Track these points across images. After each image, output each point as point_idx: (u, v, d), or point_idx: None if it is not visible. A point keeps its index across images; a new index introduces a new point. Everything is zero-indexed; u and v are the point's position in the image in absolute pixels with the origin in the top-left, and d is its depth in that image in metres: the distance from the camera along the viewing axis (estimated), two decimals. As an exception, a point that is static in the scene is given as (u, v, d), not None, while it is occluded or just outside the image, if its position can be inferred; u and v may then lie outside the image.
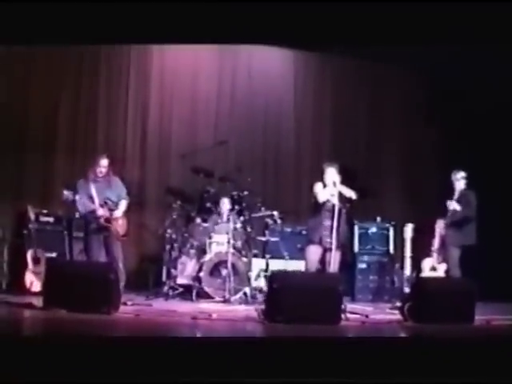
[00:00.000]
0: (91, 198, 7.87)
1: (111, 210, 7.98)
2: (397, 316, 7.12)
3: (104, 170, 8.04)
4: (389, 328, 6.78)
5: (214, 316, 6.69)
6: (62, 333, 5.50)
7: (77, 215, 8.93)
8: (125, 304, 7.39)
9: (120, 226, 8.03)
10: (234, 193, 9.34)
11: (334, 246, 7.28)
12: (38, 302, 6.78)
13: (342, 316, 6.62)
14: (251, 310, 7.24)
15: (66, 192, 7.83)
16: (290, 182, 10.55)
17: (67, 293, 6.38)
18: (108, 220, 7.91)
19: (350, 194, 7.49)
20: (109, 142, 9.77)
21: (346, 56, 10.49)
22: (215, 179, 9.83)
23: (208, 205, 9.38)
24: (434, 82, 10.85)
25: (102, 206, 7.90)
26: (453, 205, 8.33)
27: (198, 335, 5.99)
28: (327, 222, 7.42)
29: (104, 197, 7.95)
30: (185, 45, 9.83)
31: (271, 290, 6.53)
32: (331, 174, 7.56)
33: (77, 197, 7.83)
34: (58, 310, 6.32)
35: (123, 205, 8.15)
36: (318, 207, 7.57)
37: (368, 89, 11.14)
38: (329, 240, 7.35)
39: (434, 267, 8.39)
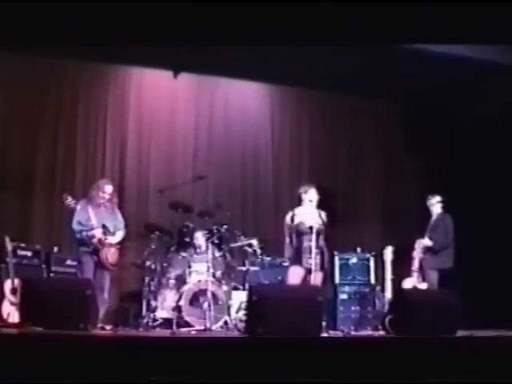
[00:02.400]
0: (90, 222, 7.80)
1: (106, 235, 7.92)
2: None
3: (107, 197, 8.01)
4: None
5: (193, 333, 6.63)
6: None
7: (55, 249, 8.91)
8: (103, 328, 7.31)
9: (111, 254, 7.94)
10: (214, 227, 9.31)
11: (314, 268, 7.27)
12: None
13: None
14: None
15: (69, 198, 7.79)
16: (269, 215, 10.52)
17: (43, 310, 6.28)
18: (102, 243, 7.83)
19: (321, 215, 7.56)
20: (87, 177, 9.74)
21: (322, 89, 10.64)
22: (194, 214, 9.78)
23: (187, 239, 9.34)
24: (410, 111, 11.06)
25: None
26: (423, 243, 8.39)
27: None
28: (307, 244, 7.42)
29: (101, 223, 7.90)
30: (162, 79, 10.02)
31: (251, 303, 6.47)
32: (313, 194, 7.60)
33: (78, 207, 7.77)
34: (33, 328, 6.21)
35: (119, 235, 8.12)
36: (298, 231, 7.56)
37: (345, 120, 11.29)
38: (310, 261, 7.33)
39: (415, 287, 8.36)
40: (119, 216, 8.22)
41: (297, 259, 7.50)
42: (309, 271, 7.38)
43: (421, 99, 10.37)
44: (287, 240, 7.67)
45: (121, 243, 8.22)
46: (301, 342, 5.50)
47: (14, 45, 7.78)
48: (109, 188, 8.05)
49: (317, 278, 7.37)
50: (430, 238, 8.43)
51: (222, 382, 4.79)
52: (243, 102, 10.92)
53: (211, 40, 7.05)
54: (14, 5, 6.24)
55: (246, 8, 6.50)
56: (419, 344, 5.76)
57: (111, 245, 7.94)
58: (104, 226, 7.91)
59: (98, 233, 7.80)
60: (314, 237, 7.36)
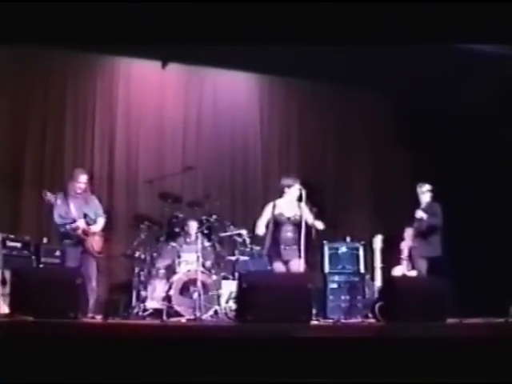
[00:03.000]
0: (70, 213, 7.82)
1: (89, 225, 7.94)
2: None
3: (83, 186, 8.03)
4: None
5: (184, 320, 6.63)
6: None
7: (45, 240, 8.89)
8: (93, 318, 7.31)
9: (96, 241, 8.05)
10: (203, 217, 9.32)
11: (291, 257, 7.24)
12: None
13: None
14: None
15: (49, 194, 7.81)
16: (258, 204, 10.32)
17: (33, 299, 6.24)
18: (86, 233, 7.85)
19: (317, 224, 7.46)
20: (76, 168, 9.64)
21: (311, 79, 10.65)
22: (183, 205, 9.76)
23: (176, 230, 9.35)
24: (399, 102, 11.09)
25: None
26: (419, 213, 8.41)
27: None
28: (289, 235, 7.37)
29: (82, 212, 7.93)
30: (150, 70, 10.01)
31: (241, 290, 6.47)
32: (296, 188, 7.56)
33: (58, 201, 7.80)
34: (23, 317, 6.19)
35: (101, 222, 8.17)
36: (276, 221, 7.52)
37: (334, 111, 11.31)
38: (286, 252, 7.31)
39: (404, 275, 8.39)
40: (96, 202, 8.30)
41: (275, 253, 7.41)
42: (286, 263, 7.34)
43: (410, 89, 10.38)
44: (265, 230, 7.58)
45: (104, 230, 8.29)
46: (290, 329, 5.50)
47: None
48: (83, 177, 8.11)
49: (297, 266, 7.22)
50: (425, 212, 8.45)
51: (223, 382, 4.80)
52: (232, 92, 10.92)
53: (212, 40, 7.06)
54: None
55: (245, 8, 6.50)
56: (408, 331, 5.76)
57: (95, 233, 8.03)
58: (85, 216, 7.96)
59: (81, 223, 7.87)
60: (292, 227, 7.33)
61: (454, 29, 6.71)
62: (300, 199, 7.40)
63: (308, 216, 7.39)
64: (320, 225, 7.40)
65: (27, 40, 6.89)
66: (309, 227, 7.30)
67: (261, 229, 7.42)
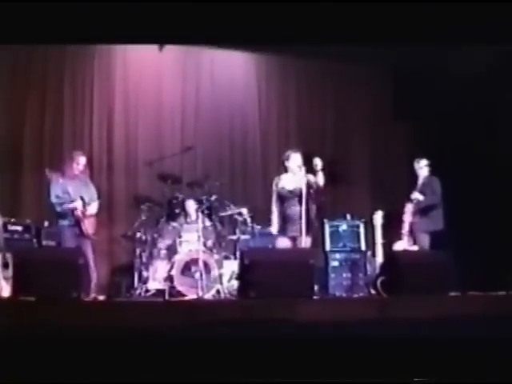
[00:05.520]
0: (67, 194, 7.80)
1: (84, 207, 7.95)
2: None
3: (81, 168, 8.03)
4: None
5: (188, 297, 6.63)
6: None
7: (45, 224, 8.87)
8: (95, 299, 7.32)
9: (91, 224, 8.02)
10: (203, 197, 9.31)
11: (299, 233, 7.25)
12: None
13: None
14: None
15: (48, 171, 7.84)
16: (258, 183, 10.51)
17: (36, 280, 6.24)
18: (84, 214, 7.85)
19: (318, 179, 7.46)
20: (75, 151, 9.66)
21: (308, 57, 10.60)
22: (183, 185, 9.77)
23: (177, 210, 9.34)
24: (396, 76, 11.10)
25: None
26: (415, 195, 8.42)
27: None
28: (294, 209, 7.40)
29: (78, 194, 7.92)
30: (147, 52, 9.98)
31: (243, 267, 6.46)
32: (296, 159, 7.55)
33: (60, 180, 7.82)
34: (26, 298, 6.19)
35: (94, 206, 8.17)
36: (280, 195, 7.54)
37: (333, 87, 11.34)
38: (294, 228, 7.32)
39: (406, 250, 8.38)
40: (92, 187, 8.29)
41: (282, 228, 7.48)
42: (294, 239, 7.37)
43: (408, 64, 10.33)
44: (272, 207, 7.63)
45: (99, 213, 8.31)
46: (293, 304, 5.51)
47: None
48: (82, 159, 8.11)
49: (303, 243, 7.28)
50: (421, 193, 8.44)
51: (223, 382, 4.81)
52: (230, 72, 10.92)
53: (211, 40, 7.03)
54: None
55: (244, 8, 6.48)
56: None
57: (91, 215, 8.02)
58: (82, 198, 7.93)
59: (79, 205, 7.84)
60: (296, 201, 7.35)
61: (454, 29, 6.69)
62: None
63: (309, 177, 7.39)
64: (321, 179, 7.38)
65: (23, 40, 6.85)
66: (310, 202, 7.31)
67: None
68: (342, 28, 7.00)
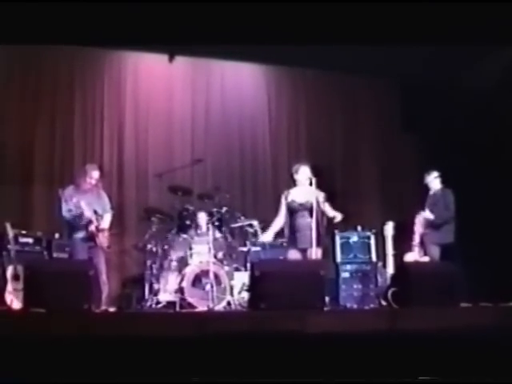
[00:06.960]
0: (80, 208, 7.81)
1: (98, 221, 7.96)
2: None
3: (94, 182, 8.03)
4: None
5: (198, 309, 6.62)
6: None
7: (56, 236, 8.90)
8: (106, 311, 7.32)
9: (106, 237, 8.02)
10: (214, 209, 9.32)
11: (309, 245, 7.25)
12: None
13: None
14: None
15: (61, 191, 7.86)
16: (268, 195, 10.50)
17: (46, 292, 6.24)
18: (97, 228, 7.87)
19: (334, 214, 7.48)
20: (85, 163, 9.65)
21: (317, 69, 10.66)
22: (193, 197, 9.77)
23: (187, 222, 9.34)
24: (406, 87, 11.08)
25: None
26: (425, 214, 8.40)
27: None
28: (304, 222, 7.40)
29: (92, 208, 7.92)
30: (158, 63, 10.03)
31: (253, 278, 6.45)
32: (305, 172, 7.56)
33: (74, 199, 7.79)
34: (37, 310, 6.20)
35: (108, 218, 8.17)
36: (290, 208, 7.54)
37: (342, 99, 11.32)
38: (304, 240, 7.32)
39: (417, 261, 8.35)
40: (106, 199, 8.27)
41: (292, 241, 7.48)
42: (304, 251, 7.36)
43: (416, 74, 10.33)
44: (282, 220, 7.62)
45: (112, 225, 8.31)
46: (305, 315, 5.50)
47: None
48: (96, 173, 8.08)
49: (314, 254, 7.26)
50: (431, 211, 8.43)
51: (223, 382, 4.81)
52: (239, 84, 10.97)
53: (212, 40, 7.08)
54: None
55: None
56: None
57: (104, 229, 8.02)
58: (95, 212, 7.93)
59: (93, 219, 7.84)
60: (306, 213, 7.35)
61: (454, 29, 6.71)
62: (311, 184, 7.40)
63: (327, 209, 7.44)
64: (339, 216, 7.41)
65: (33, 40, 6.91)
66: (320, 214, 7.31)
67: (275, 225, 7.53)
68: (352, 33, 7.06)
